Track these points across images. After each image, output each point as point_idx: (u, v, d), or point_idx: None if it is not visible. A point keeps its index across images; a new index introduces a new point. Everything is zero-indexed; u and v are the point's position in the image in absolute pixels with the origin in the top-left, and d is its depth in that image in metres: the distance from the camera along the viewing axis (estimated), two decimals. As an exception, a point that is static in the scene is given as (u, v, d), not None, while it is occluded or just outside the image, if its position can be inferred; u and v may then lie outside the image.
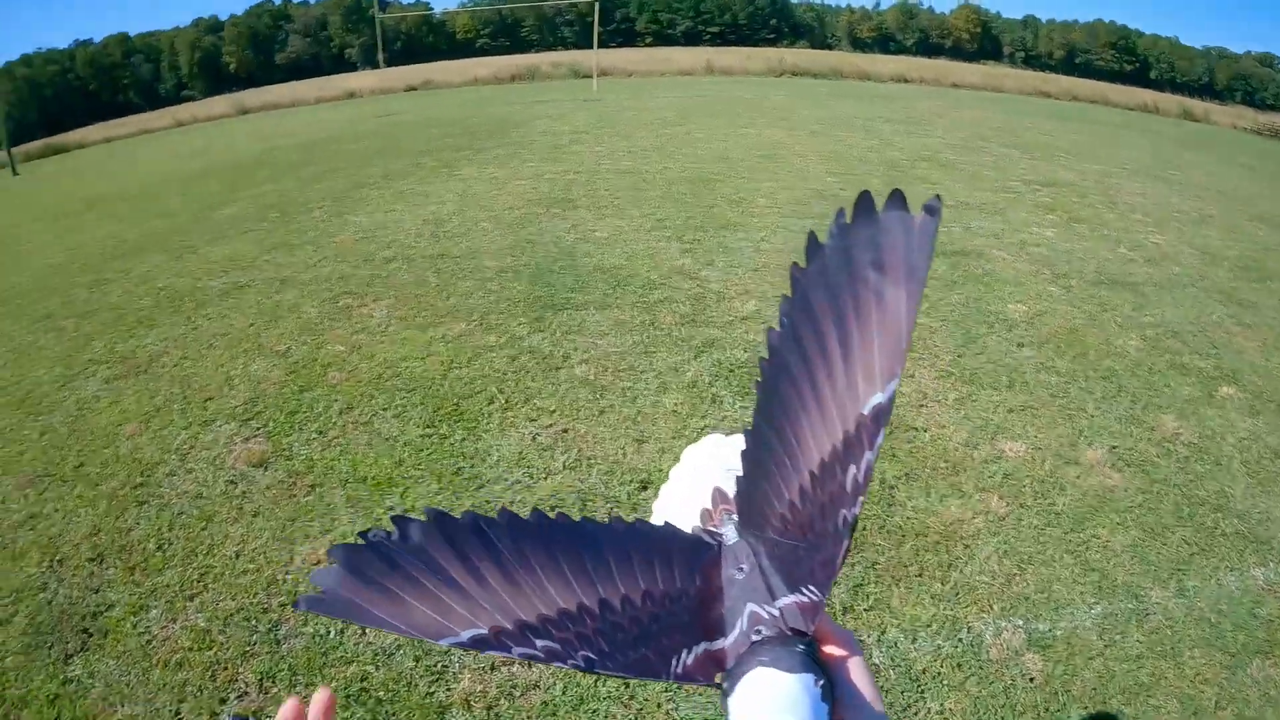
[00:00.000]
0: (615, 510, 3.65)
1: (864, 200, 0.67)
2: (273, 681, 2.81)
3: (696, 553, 0.82)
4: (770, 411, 0.77)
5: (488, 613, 0.66)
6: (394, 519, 0.67)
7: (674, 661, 0.70)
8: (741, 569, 0.79)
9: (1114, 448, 4.25)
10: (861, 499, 0.68)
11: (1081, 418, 4.51)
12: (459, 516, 0.69)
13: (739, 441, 0.90)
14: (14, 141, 24.36)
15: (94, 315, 6.13)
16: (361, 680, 2.79)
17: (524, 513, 0.72)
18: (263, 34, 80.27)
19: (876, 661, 2.89)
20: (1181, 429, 4.46)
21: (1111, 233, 8.12)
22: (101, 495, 3.89)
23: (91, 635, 3.07)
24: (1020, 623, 3.09)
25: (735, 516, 0.88)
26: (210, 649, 2.97)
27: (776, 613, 0.72)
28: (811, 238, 0.71)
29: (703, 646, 0.71)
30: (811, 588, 0.71)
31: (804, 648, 0.67)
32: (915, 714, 2.70)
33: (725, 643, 0.72)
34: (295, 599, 0.60)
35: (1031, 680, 2.84)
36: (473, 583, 0.67)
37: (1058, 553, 3.46)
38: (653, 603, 0.73)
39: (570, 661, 0.66)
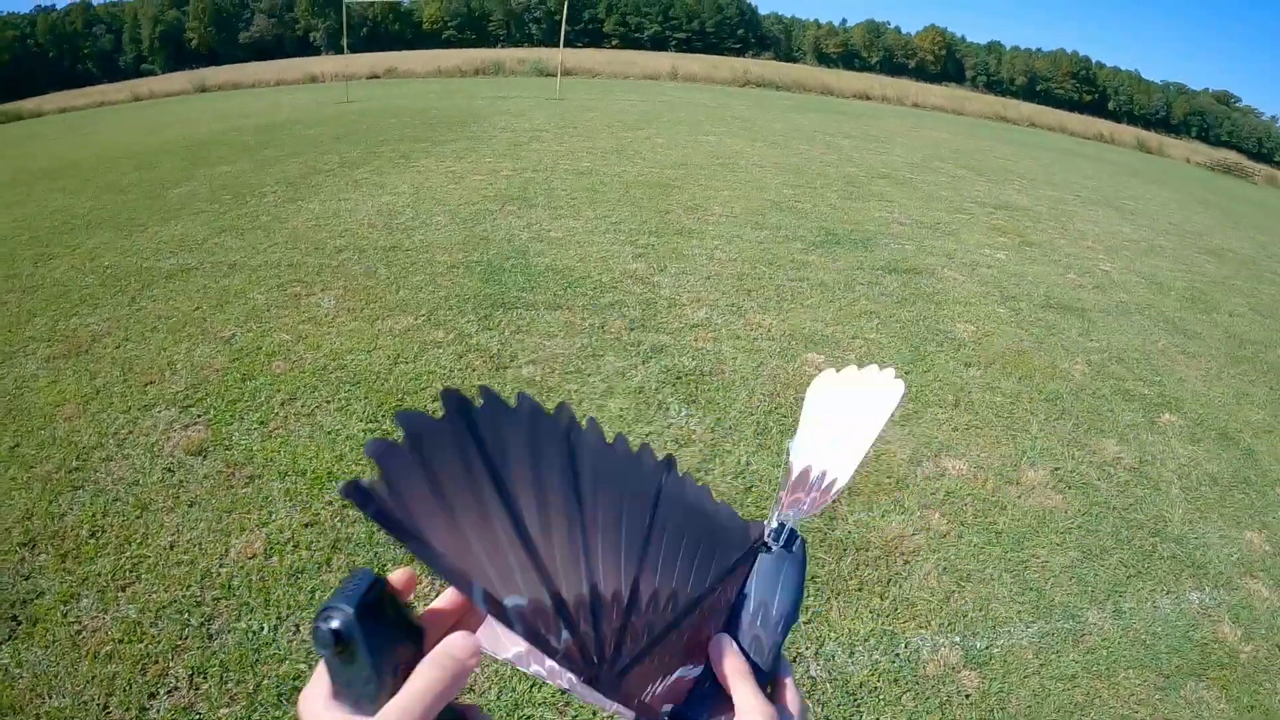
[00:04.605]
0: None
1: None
2: (204, 677, 2.75)
3: (739, 554, 0.69)
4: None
5: (533, 574, 0.52)
6: (485, 390, 0.52)
7: (649, 687, 0.60)
8: (746, 596, 0.68)
9: (1055, 469, 4.29)
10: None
11: (1024, 439, 4.56)
12: (552, 412, 0.55)
13: (877, 390, 0.79)
14: (-34, 107, 23.85)
15: (37, 291, 5.99)
16: (295, 679, 2.72)
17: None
18: (227, 11, 79.35)
19: (813, 674, 2.89)
20: (1123, 453, 4.52)
21: (1062, 258, 8.24)
22: (36, 478, 3.79)
23: (21, 623, 2.98)
24: (958, 639, 3.10)
25: (789, 515, 0.75)
26: (141, 641, 2.90)
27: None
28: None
29: (679, 674, 0.63)
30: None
31: None
32: (849, 728, 2.71)
33: (695, 672, 0.64)
34: (338, 493, 0.47)
35: (968, 697, 2.85)
36: (534, 514, 0.53)
37: (997, 571, 3.49)
38: (674, 607, 0.62)
39: (576, 667, 0.54)
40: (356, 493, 0.46)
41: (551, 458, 0.55)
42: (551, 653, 0.53)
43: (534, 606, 0.52)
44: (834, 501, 0.73)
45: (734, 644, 0.64)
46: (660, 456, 0.63)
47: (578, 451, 0.56)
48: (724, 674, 0.62)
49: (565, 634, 0.53)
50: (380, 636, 0.50)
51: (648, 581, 0.59)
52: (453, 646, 0.52)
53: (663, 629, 0.60)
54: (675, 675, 0.62)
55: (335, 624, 0.49)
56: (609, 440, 0.59)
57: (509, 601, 0.50)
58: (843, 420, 0.80)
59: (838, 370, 0.86)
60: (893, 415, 0.75)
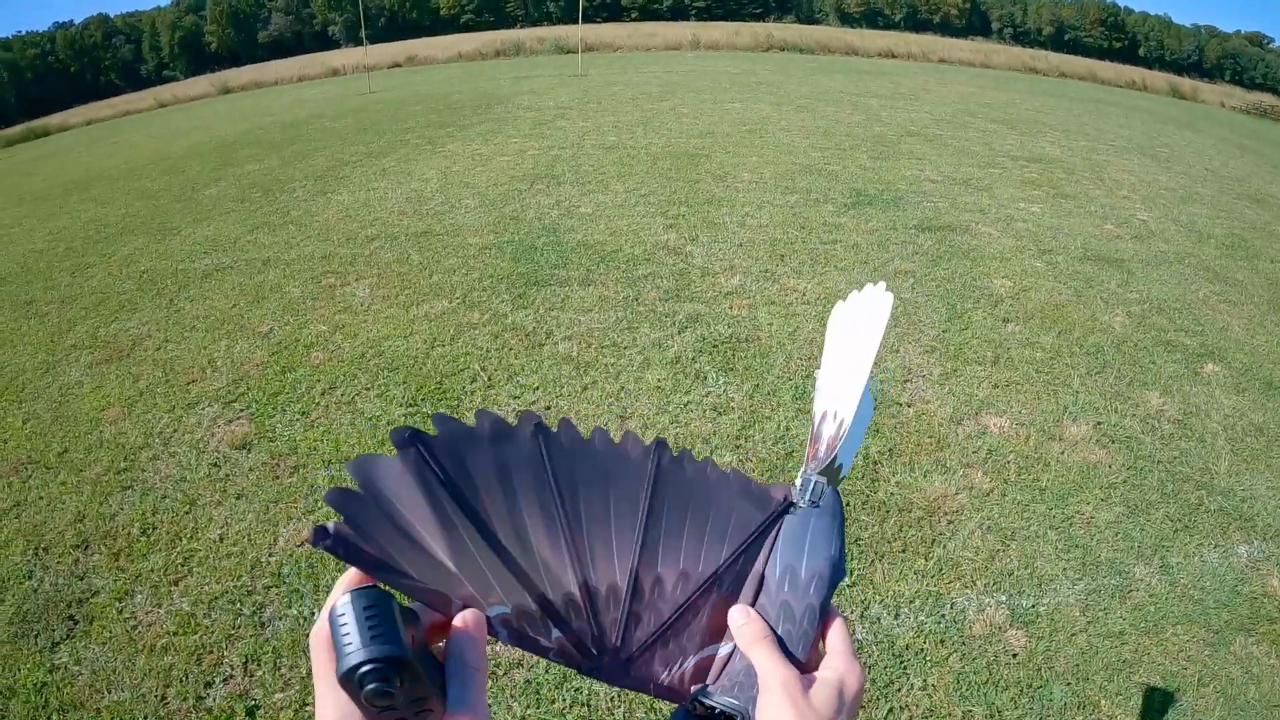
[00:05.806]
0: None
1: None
2: (258, 664, 2.80)
3: (758, 522, 0.67)
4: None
5: (513, 582, 0.55)
6: (439, 418, 0.56)
7: (667, 669, 0.61)
8: (773, 562, 0.66)
9: (1098, 424, 4.25)
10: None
11: (1066, 394, 4.51)
12: (514, 423, 0.58)
13: (870, 317, 0.74)
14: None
15: (76, 300, 6.07)
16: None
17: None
18: (244, 12, 79.50)
19: (859, 638, 2.89)
20: (1166, 405, 4.46)
21: (1098, 209, 8.12)
22: (85, 481, 3.86)
23: (78, 622, 3.05)
24: (1004, 598, 3.09)
25: (811, 468, 0.71)
26: (195, 633, 2.95)
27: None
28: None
29: (704, 653, 0.62)
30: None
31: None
32: (898, 690, 2.70)
33: (724, 649, 0.62)
34: (305, 540, 0.47)
35: (1015, 656, 2.84)
36: (509, 526, 0.55)
37: (1041, 529, 3.46)
38: (684, 588, 0.62)
39: (573, 662, 0.57)
40: (325, 537, 0.50)
41: (520, 468, 0.57)
42: (543, 652, 0.56)
43: (518, 612, 0.55)
44: (843, 440, 0.69)
45: (750, 612, 0.63)
46: (648, 442, 0.64)
47: (551, 456, 0.59)
48: (742, 644, 0.61)
49: (555, 632, 0.56)
50: (423, 654, 0.48)
51: (650, 568, 0.61)
52: (469, 627, 0.52)
53: (674, 612, 0.61)
54: (701, 654, 0.62)
55: (398, 681, 0.45)
56: (585, 438, 0.61)
57: (492, 612, 0.54)
58: (845, 352, 0.76)
59: (845, 300, 0.82)
60: (883, 331, 0.72)
